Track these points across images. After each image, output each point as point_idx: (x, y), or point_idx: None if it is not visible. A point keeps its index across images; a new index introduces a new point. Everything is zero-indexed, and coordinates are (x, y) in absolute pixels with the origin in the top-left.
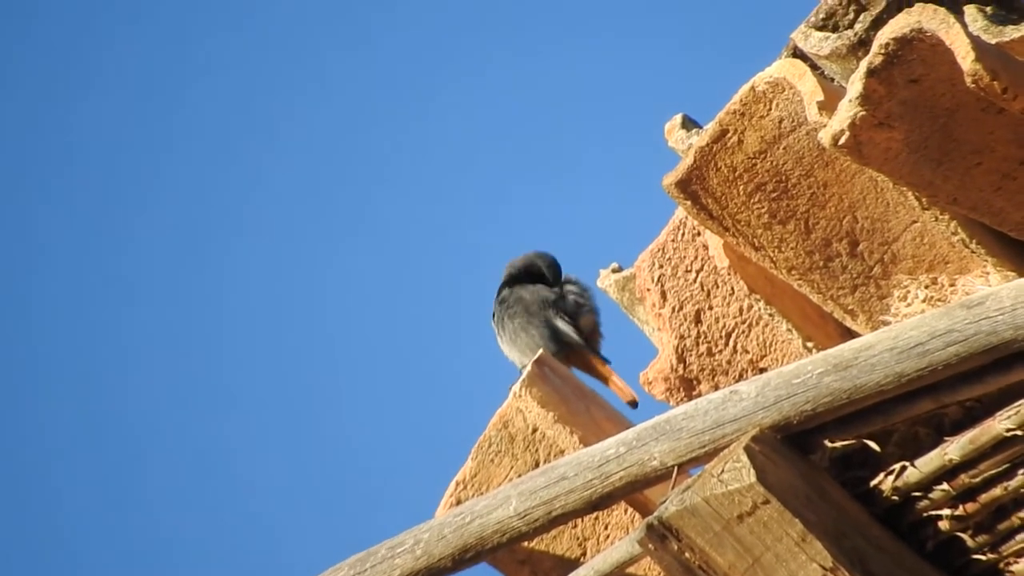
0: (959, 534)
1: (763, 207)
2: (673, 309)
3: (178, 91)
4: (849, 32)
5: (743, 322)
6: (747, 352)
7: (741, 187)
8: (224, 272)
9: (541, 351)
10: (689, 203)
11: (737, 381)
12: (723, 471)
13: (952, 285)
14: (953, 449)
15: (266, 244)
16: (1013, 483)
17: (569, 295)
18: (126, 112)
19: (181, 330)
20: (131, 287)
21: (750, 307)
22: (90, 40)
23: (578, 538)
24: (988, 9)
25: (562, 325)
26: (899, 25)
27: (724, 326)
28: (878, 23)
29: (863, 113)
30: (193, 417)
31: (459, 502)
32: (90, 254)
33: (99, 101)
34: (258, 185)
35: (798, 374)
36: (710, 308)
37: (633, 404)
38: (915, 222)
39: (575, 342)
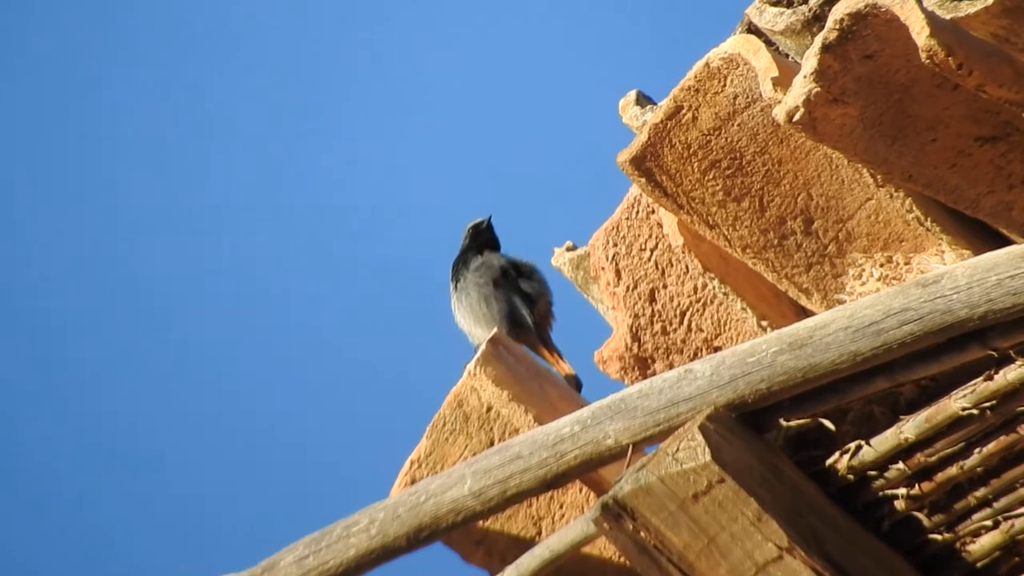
0: (915, 513)
1: (717, 184)
2: (627, 288)
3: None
4: (804, 8)
5: (697, 301)
6: (702, 331)
7: (695, 164)
8: (185, 249)
9: (495, 330)
10: (644, 180)
11: (692, 360)
12: (678, 450)
13: (907, 263)
14: (908, 428)
15: (225, 232)
16: (969, 462)
17: (529, 275)
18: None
19: (133, 305)
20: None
21: (704, 286)
22: None
23: (533, 517)
24: None
25: (520, 306)
26: (853, 0)
27: (679, 305)
28: None
29: (818, 89)
30: (148, 385)
31: (414, 481)
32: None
33: None
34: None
35: (753, 353)
36: (664, 287)
37: (570, 381)
38: (870, 200)
39: (527, 325)
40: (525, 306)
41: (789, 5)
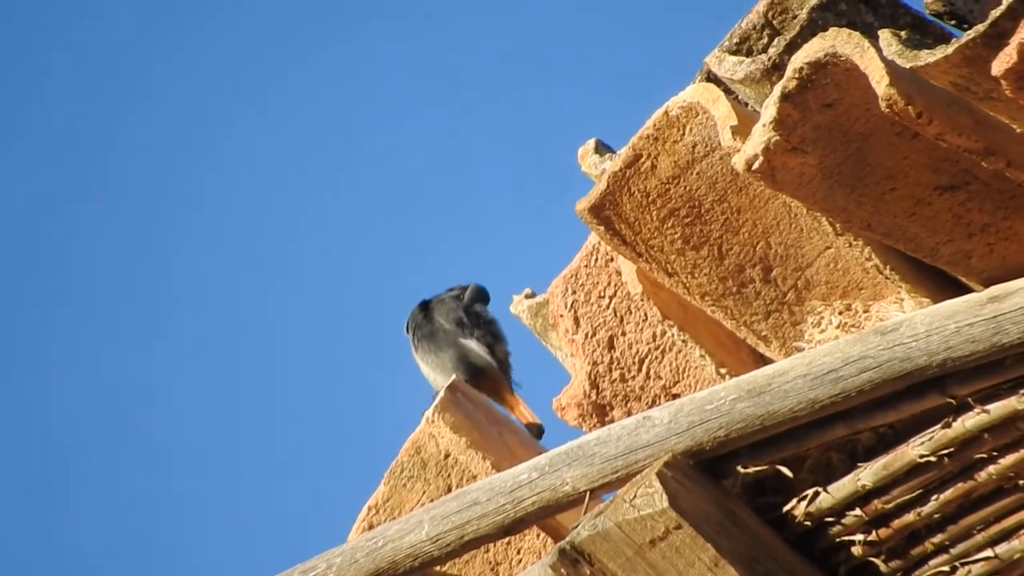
0: (872, 559)
1: (676, 232)
2: (586, 335)
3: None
4: (763, 56)
5: (656, 348)
6: (660, 378)
7: (654, 212)
8: (152, 289)
9: (454, 377)
10: (602, 228)
11: (650, 407)
12: (635, 496)
13: (866, 311)
14: (866, 475)
15: (199, 273)
16: (926, 509)
17: (486, 322)
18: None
19: (108, 338)
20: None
21: (663, 333)
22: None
23: (490, 563)
24: (903, 33)
25: (481, 351)
26: (813, 49)
27: (637, 352)
28: (792, 47)
29: (777, 138)
30: (109, 433)
31: (371, 527)
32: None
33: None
34: (202, 202)
35: (711, 400)
36: (623, 334)
37: (533, 428)
38: (829, 248)
39: (492, 368)
40: (486, 350)
41: (748, 54)
